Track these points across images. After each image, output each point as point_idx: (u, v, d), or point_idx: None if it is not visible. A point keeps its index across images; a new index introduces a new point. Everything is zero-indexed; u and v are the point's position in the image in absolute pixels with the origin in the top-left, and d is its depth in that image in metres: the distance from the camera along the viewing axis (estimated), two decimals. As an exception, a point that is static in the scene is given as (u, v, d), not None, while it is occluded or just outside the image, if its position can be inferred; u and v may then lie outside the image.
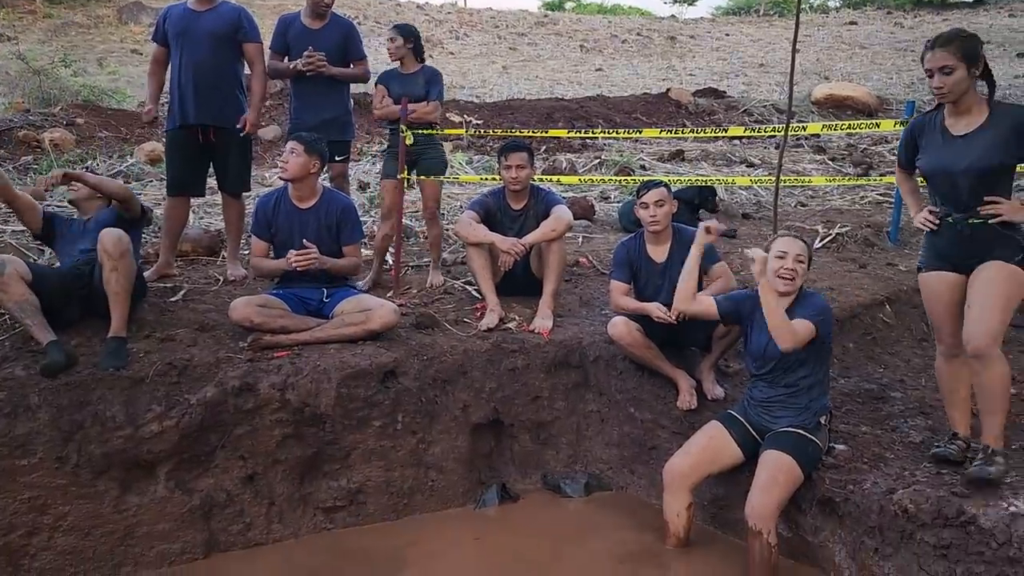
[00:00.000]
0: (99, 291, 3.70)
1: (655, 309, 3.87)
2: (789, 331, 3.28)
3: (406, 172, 5.10)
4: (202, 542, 3.65)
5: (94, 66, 16.36)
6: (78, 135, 9.71)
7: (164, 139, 4.91)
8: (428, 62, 5.32)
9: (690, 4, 42.12)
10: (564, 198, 5.35)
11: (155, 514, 3.57)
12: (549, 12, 35.32)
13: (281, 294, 4.15)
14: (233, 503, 3.72)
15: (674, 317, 3.77)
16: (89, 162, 8.62)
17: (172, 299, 4.43)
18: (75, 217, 4.25)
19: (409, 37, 5.10)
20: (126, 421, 3.49)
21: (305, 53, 4.92)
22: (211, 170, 5.00)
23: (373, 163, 9.48)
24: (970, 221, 3.07)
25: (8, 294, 3.54)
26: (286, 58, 5.11)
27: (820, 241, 6.52)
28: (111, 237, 3.66)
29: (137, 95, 13.30)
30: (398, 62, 5.15)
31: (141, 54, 18.10)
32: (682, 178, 7.75)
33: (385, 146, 5.63)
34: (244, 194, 5.14)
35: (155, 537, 3.58)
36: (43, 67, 12.31)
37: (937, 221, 3.16)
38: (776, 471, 3.26)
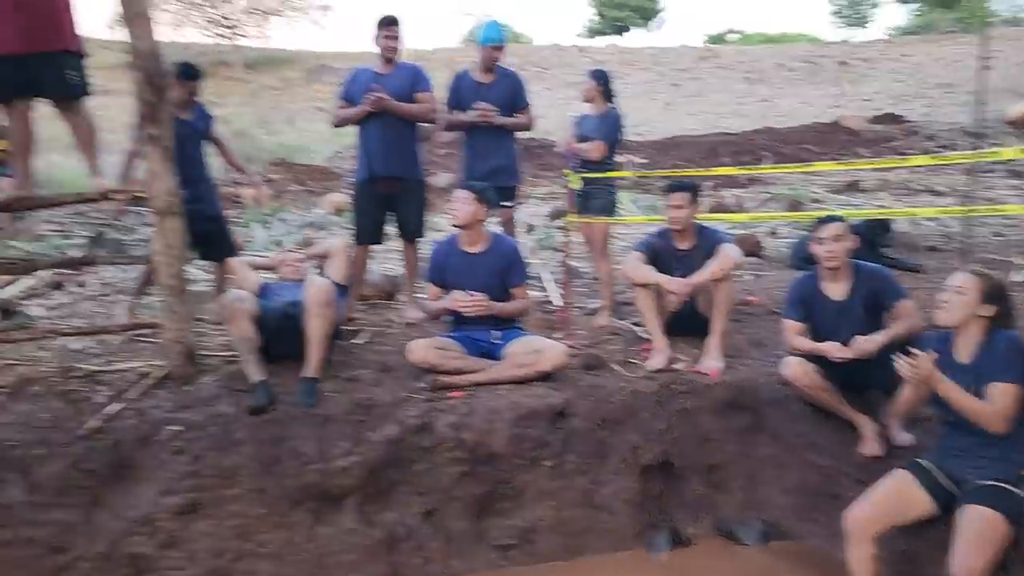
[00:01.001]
0: (302, 333, 4.01)
1: (833, 349, 3.72)
2: (992, 416, 3.00)
3: (573, 214, 5.23)
4: (385, 574, 3.82)
5: (285, 125, 17.84)
6: (273, 190, 10.61)
7: (352, 191, 5.33)
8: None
9: (862, 26, 40.29)
10: (731, 235, 5.26)
11: (343, 545, 3.78)
12: (712, 45, 34.89)
13: (456, 336, 4.33)
14: (413, 537, 3.88)
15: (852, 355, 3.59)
16: (280, 213, 9.39)
17: (356, 341, 4.73)
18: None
19: (594, 80, 5.36)
20: (317, 456, 3.75)
21: (477, 107, 5.19)
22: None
23: (538, 206, 9.73)
24: None
25: (237, 327, 3.94)
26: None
27: (1019, 274, 6.01)
28: (317, 287, 4.01)
29: (321, 151, 14.35)
30: (591, 103, 5.38)
31: (325, 111, 19.55)
32: (859, 211, 7.41)
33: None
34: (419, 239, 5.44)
35: (343, 567, 3.78)
36: (242, 129, 13.59)
37: None
38: (983, 527, 2.97)
